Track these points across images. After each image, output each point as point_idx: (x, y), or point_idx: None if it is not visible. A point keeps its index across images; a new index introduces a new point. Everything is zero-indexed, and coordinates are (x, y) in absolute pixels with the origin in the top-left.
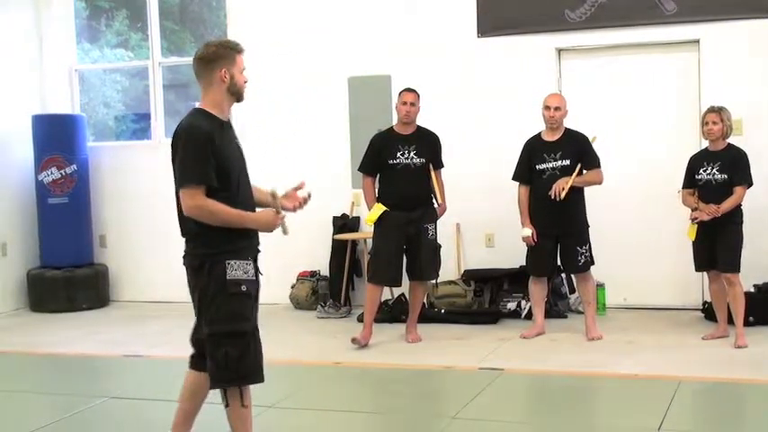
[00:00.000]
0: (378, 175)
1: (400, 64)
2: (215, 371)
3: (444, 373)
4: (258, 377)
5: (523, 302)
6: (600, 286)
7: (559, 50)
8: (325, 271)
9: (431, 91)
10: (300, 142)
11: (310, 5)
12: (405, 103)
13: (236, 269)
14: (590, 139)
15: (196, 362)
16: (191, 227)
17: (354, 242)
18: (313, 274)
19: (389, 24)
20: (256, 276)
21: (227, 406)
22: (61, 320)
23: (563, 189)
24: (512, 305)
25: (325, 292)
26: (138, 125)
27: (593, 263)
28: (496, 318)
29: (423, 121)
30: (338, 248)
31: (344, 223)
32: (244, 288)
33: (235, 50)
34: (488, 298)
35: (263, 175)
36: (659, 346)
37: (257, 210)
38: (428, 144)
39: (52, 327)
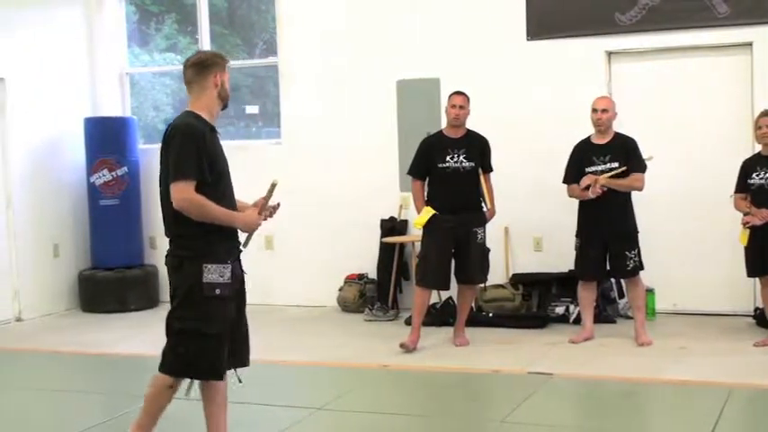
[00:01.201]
0: (427, 179)
1: (449, 67)
2: (171, 361)
3: (492, 376)
4: (214, 375)
5: (572, 307)
6: (650, 291)
7: (609, 53)
8: (372, 274)
9: (480, 94)
10: (349, 145)
11: (359, 9)
12: (454, 106)
13: (213, 272)
14: (646, 158)
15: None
16: (174, 228)
17: (402, 245)
18: (361, 276)
19: (438, 27)
20: (234, 278)
21: (170, 387)
22: (112, 321)
23: (599, 183)
24: (560, 309)
25: (373, 295)
26: None
27: (642, 267)
28: (545, 322)
29: (471, 124)
30: (386, 251)
31: (393, 226)
32: (218, 291)
33: (226, 60)
34: (537, 302)
35: (311, 177)
36: (710, 353)
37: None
38: (478, 148)
39: (103, 327)
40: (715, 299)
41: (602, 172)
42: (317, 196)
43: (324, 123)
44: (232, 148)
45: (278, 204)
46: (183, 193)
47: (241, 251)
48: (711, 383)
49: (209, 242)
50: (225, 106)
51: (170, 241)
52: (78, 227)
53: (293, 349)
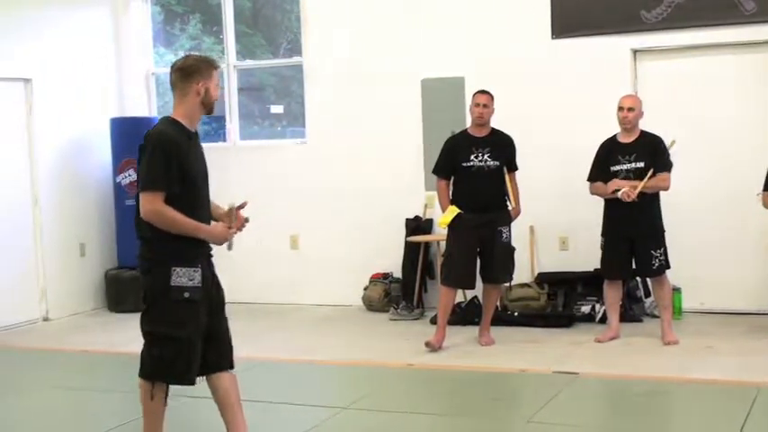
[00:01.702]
0: (452, 178)
1: (474, 66)
2: (148, 366)
3: (518, 376)
4: (185, 380)
5: (598, 306)
6: (676, 290)
7: (635, 51)
8: (398, 273)
9: (505, 93)
10: (373, 144)
11: (384, 8)
12: (478, 105)
13: (182, 276)
14: (669, 143)
15: (203, 365)
16: (144, 232)
17: (427, 244)
18: (386, 275)
19: (463, 26)
20: (204, 282)
21: (151, 399)
22: (138, 320)
23: (633, 193)
24: (586, 308)
25: (398, 294)
26: (210, 127)
27: (668, 266)
28: (570, 321)
29: (496, 123)
30: (411, 250)
31: (417, 225)
32: (187, 295)
33: (212, 66)
34: (562, 301)
35: (336, 177)
36: (737, 352)
37: (212, 222)
38: (503, 146)
39: (130, 326)
40: (742, 297)
41: (628, 171)
42: (342, 196)
43: (348, 123)
44: (257, 148)
45: (246, 219)
46: (151, 204)
47: (212, 255)
48: (739, 383)
49: (177, 246)
50: (209, 112)
51: (140, 244)
52: (104, 226)
53: (318, 348)
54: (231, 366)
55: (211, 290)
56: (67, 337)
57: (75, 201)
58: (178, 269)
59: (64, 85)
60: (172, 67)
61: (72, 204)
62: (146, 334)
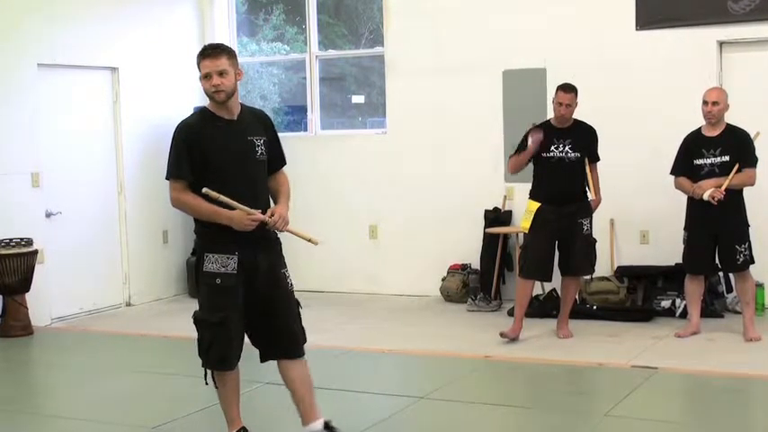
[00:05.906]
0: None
1: (556, 57)
2: (198, 349)
3: (596, 370)
4: (223, 365)
5: (678, 301)
6: (759, 286)
7: (721, 43)
8: (476, 264)
9: (587, 85)
10: (453, 135)
11: None
12: (560, 104)
13: (213, 262)
14: (753, 135)
15: (263, 353)
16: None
17: (506, 236)
18: (464, 267)
19: (546, 17)
20: (241, 268)
21: (206, 384)
22: None
23: (720, 194)
24: (666, 303)
25: (476, 286)
26: (292, 117)
27: (752, 261)
28: (650, 316)
29: (578, 114)
30: (490, 242)
31: (496, 217)
32: (218, 281)
33: (199, 57)
34: (642, 295)
35: (416, 167)
36: None
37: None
38: (584, 137)
39: None
40: None
41: (712, 165)
42: (422, 186)
43: (429, 113)
44: (337, 138)
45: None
46: (173, 191)
47: (264, 244)
48: None
49: (209, 233)
50: (215, 99)
51: None
52: (186, 214)
53: (396, 338)
54: (288, 356)
55: (256, 279)
56: (149, 322)
57: (158, 188)
58: (210, 255)
59: (149, 74)
60: None
61: (155, 192)
62: (193, 321)
